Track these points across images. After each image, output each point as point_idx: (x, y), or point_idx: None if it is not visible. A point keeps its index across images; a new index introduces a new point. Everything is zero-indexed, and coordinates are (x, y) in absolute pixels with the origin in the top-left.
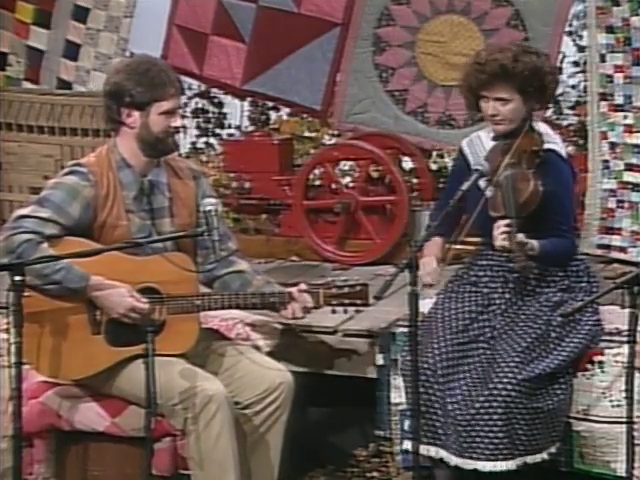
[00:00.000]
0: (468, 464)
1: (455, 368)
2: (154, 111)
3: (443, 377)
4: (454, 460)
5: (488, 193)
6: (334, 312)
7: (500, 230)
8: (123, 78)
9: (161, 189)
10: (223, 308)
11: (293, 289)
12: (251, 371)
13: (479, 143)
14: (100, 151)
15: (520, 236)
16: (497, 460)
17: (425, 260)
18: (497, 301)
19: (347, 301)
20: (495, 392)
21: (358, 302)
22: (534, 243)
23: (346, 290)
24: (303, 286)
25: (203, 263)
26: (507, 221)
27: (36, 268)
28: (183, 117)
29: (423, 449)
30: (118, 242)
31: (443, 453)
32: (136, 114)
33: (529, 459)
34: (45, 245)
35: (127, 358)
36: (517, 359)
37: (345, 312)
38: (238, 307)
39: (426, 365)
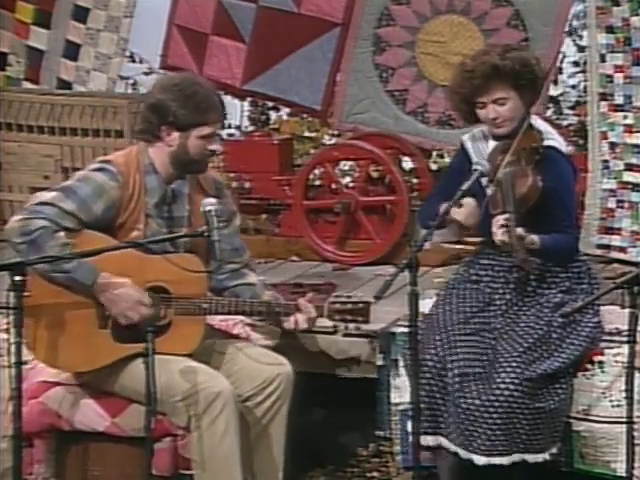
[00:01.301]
0: (464, 454)
1: (455, 356)
2: (194, 134)
3: (444, 369)
4: (454, 447)
5: (489, 192)
6: (335, 327)
7: (498, 224)
8: (169, 97)
9: (182, 200)
10: (229, 313)
11: (300, 300)
12: (249, 364)
13: (481, 137)
14: (130, 151)
15: (519, 230)
16: (492, 455)
17: (465, 201)
18: (497, 302)
19: (349, 317)
20: (497, 392)
21: (359, 319)
22: (534, 237)
23: (349, 307)
24: (310, 296)
25: (215, 273)
26: (505, 215)
27: (49, 253)
28: None
29: (423, 440)
30: None
31: (443, 440)
32: (176, 134)
33: (530, 458)
34: (61, 234)
35: (131, 355)
36: (519, 359)
37: (346, 328)
38: (244, 313)
39: (428, 356)
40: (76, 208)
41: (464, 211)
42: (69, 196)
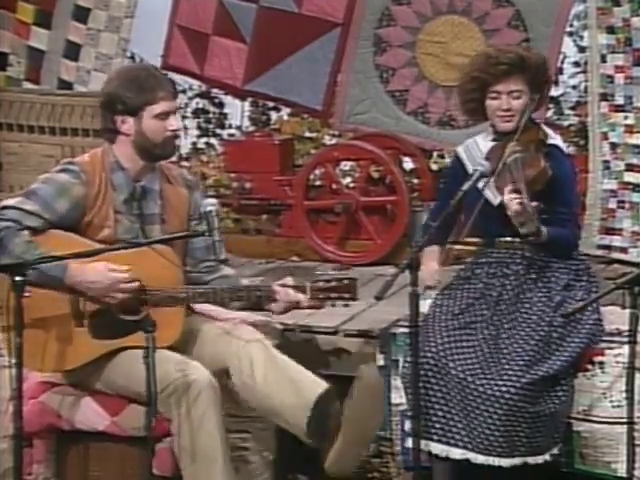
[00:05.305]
0: (464, 455)
1: (451, 350)
2: (147, 115)
3: (440, 373)
4: (454, 452)
5: (488, 193)
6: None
7: (509, 192)
8: (114, 86)
9: (153, 196)
10: (208, 302)
11: (275, 283)
12: (222, 340)
13: (475, 148)
14: (95, 152)
15: (533, 203)
16: (490, 455)
17: (426, 264)
18: (493, 294)
19: (335, 295)
20: (498, 394)
21: (346, 296)
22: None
23: (333, 284)
24: (288, 280)
25: (192, 270)
26: (516, 185)
27: (16, 253)
28: (184, 118)
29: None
30: (104, 242)
31: (437, 447)
32: (130, 121)
33: (530, 459)
34: (25, 232)
35: (112, 351)
36: (521, 362)
37: (333, 306)
38: (223, 300)
39: (424, 363)
40: (38, 208)
41: (425, 271)
42: (30, 198)
